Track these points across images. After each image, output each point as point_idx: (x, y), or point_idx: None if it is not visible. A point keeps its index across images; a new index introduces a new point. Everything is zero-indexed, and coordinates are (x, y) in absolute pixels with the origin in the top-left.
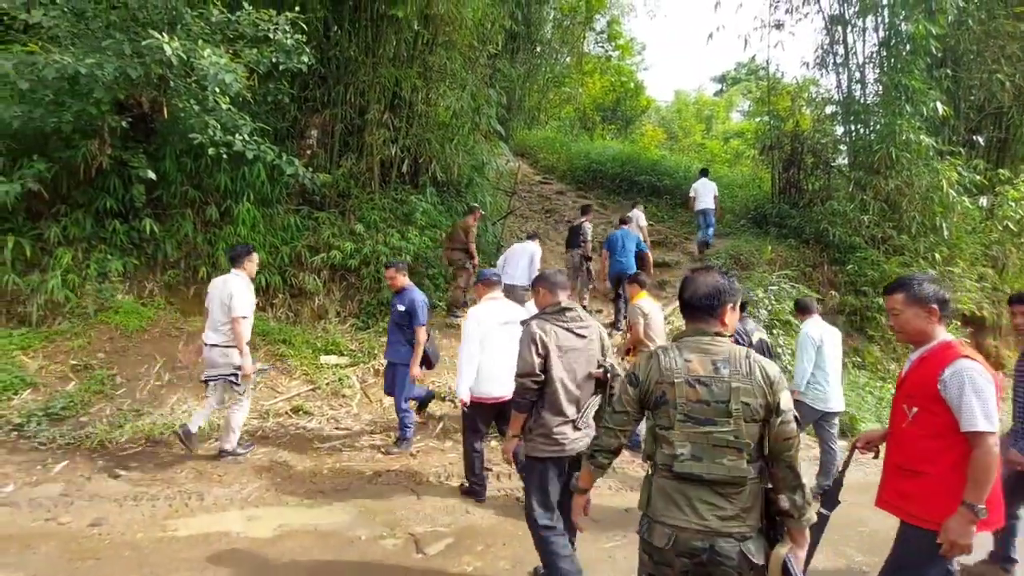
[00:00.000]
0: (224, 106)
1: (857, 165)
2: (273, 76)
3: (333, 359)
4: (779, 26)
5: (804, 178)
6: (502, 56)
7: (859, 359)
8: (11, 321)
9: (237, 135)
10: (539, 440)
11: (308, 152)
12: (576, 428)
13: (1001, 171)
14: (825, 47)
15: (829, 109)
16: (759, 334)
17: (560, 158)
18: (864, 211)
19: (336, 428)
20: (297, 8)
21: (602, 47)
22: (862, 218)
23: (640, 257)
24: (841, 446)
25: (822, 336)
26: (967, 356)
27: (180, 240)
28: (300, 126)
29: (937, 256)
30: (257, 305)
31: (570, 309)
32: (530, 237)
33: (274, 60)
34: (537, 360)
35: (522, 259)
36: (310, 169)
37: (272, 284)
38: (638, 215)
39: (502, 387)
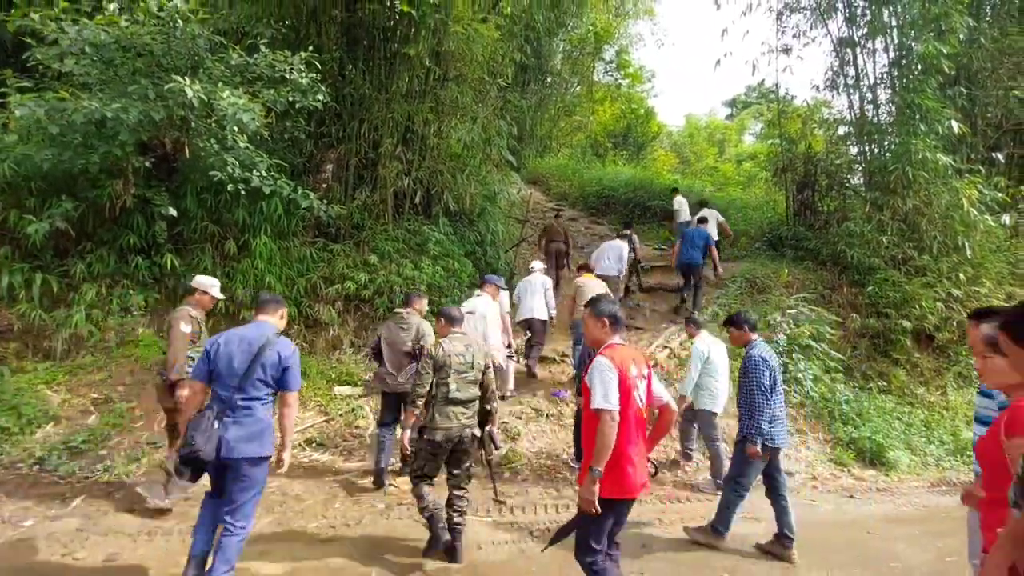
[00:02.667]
0: (242, 144)
1: (873, 185)
2: (290, 114)
3: (347, 390)
4: (787, 51)
5: (819, 199)
6: (513, 88)
7: (884, 383)
8: (37, 355)
9: (255, 172)
10: (377, 382)
11: (323, 186)
12: (396, 380)
13: (1023, 188)
14: (835, 69)
15: (842, 130)
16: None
17: (572, 185)
18: (882, 232)
19: (348, 461)
20: (311, 48)
21: (612, 76)
22: (880, 239)
23: (708, 249)
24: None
25: (709, 348)
26: (602, 353)
27: (199, 274)
28: (316, 161)
29: (961, 276)
30: None
31: (399, 315)
32: (620, 236)
33: (291, 99)
34: (373, 340)
35: (612, 253)
36: (324, 202)
37: (288, 315)
38: (715, 213)
39: None
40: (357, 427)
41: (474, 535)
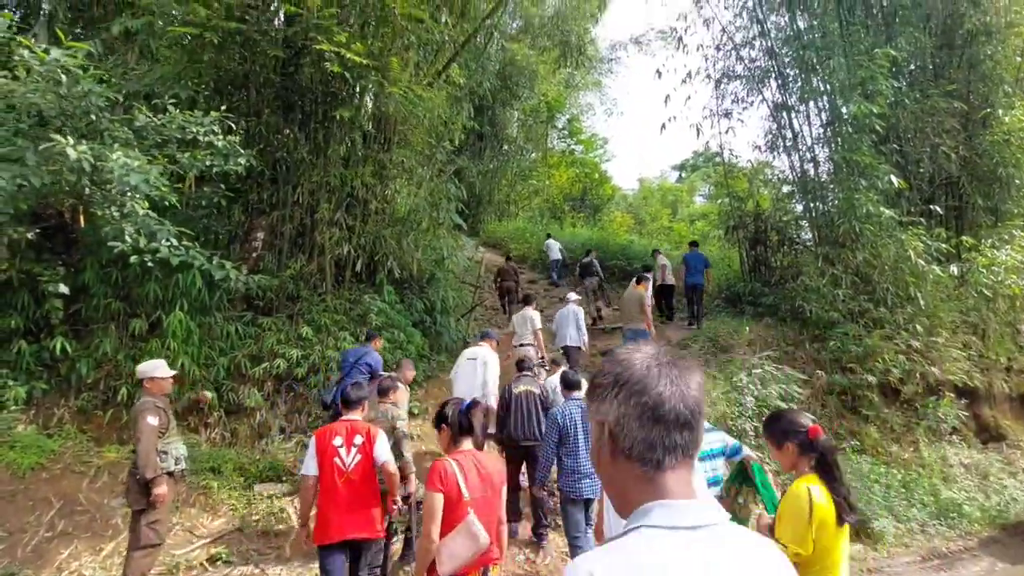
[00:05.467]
0: (142, 211)
1: (822, 240)
2: (213, 179)
3: (269, 487)
4: (728, 115)
5: (772, 255)
6: (467, 153)
7: (857, 442)
8: None
9: (162, 241)
10: None
11: (253, 255)
12: None
13: (964, 238)
14: (773, 132)
15: (786, 188)
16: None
17: (532, 248)
18: (837, 285)
19: None
20: (240, 112)
21: (565, 142)
22: (836, 292)
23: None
24: None
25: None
26: (315, 431)
27: (99, 359)
28: (245, 229)
29: (918, 327)
30: (188, 427)
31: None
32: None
33: (209, 163)
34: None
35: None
36: (244, 271)
37: (209, 401)
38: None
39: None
40: (276, 534)
41: None
